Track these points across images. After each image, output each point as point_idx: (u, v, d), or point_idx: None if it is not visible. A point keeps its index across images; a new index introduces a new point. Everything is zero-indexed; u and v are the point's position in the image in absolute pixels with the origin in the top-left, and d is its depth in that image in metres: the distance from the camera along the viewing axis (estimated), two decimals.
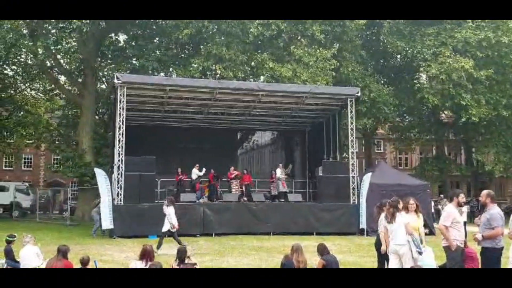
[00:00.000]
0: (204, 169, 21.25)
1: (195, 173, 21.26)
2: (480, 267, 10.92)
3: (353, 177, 20.78)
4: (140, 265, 7.65)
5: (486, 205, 7.85)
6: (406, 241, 8.15)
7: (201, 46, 27.77)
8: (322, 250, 9.34)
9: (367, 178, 20.59)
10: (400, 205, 8.42)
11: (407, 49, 28.48)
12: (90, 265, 9.12)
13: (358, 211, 20.16)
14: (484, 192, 7.98)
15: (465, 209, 20.03)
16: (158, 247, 13.57)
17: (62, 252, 8.14)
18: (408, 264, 8.18)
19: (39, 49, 25.76)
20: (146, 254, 7.80)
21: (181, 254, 8.24)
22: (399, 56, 32.72)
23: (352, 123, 21.31)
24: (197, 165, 21.36)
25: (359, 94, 21.57)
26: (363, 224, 19.94)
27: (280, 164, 23.02)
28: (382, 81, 31.85)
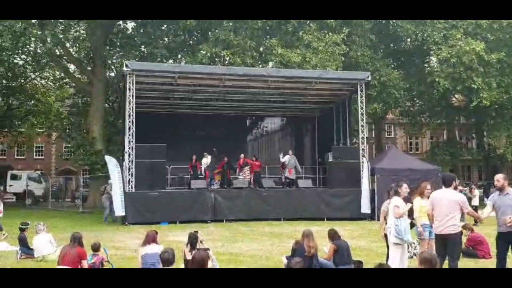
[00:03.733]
0: (209, 157, 21.23)
1: (203, 162, 21.37)
2: (490, 250, 11.01)
3: (363, 162, 20.71)
4: (147, 249, 7.80)
5: (503, 189, 7.68)
6: (391, 225, 8.07)
7: (209, 32, 27.67)
8: (333, 235, 9.37)
9: (366, 165, 20.52)
10: (402, 189, 8.33)
11: (417, 32, 28.12)
12: (101, 252, 9.30)
13: (368, 196, 20.10)
14: (501, 175, 7.78)
15: (477, 192, 20.01)
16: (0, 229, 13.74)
17: (77, 239, 8.27)
18: (390, 250, 8.15)
19: (47, 38, 25.81)
20: (149, 239, 8.04)
21: (193, 240, 8.33)
22: (409, 39, 32.34)
23: (362, 108, 21.17)
24: (205, 153, 21.41)
25: (369, 79, 21.40)
26: (365, 209, 19.87)
27: (290, 151, 22.79)
28: (392, 65, 31.56)
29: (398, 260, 8.01)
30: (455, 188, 8.23)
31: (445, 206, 7.55)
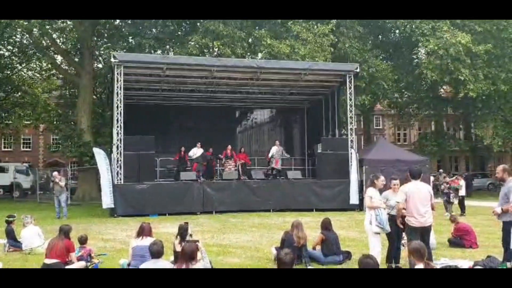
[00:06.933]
0: (201, 149, 21.05)
1: (193, 152, 21.20)
2: (477, 239, 11.16)
3: (351, 153, 20.79)
4: (139, 241, 7.75)
5: (504, 180, 7.86)
6: (369, 215, 8.13)
7: (198, 23, 27.48)
8: (325, 225, 9.43)
9: (354, 156, 20.61)
10: (378, 181, 8.39)
11: (406, 24, 28.22)
12: (88, 244, 9.26)
13: (357, 187, 20.19)
14: (500, 167, 7.97)
15: (462, 183, 20.17)
16: None
17: (64, 232, 8.23)
18: (370, 239, 8.21)
19: (34, 29, 25.45)
20: (142, 231, 7.96)
21: (183, 232, 8.31)
22: (397, 31, 32.45)
23: (351, 100, 21.24)
24: (199, 143, 21.19)
25: (357, 70, 21.45)
26: (353, 200, 19.98)
27: (277, 141, 22.79)
28: (381, 57, 31.66)
29: (379, 248, 8.12)
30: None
31: (423, 198, 7.89)
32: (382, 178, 8.51)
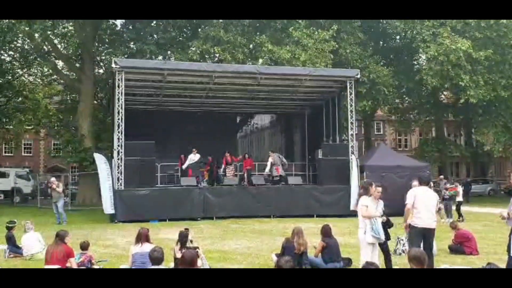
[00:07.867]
0: (198, 155, 20.99)
1: (190, 158, 21.15)
2: (478, 246, 11.17)
3: (352, 159, 20.75)
4: (139, 248, 7.75)
5: None
6: (364, 225, 8.01)
7: (199, 29, 27.56)
8: (325, 232, 9.41)
9: (355, 162, 20.57)
10: (373, 188, 8.31)
11: (406, 30, 28.26)
12: (89, 250, 9.25)
13: (358, 193, 20.14)
14: None
15: (460, 189, 20.19)
16: None
17: (60, 237, 8.23)
18: (362, 249, 8.10)
19: (35, 34, 25.52)
20: (141, 237, 7.96)
21: (183, 238, 8.31)
22: (398, 37, 32.51)
23: (351, 105, 21.23)
24: (194, 149, 21.19)
25: (358, 76, 21.45)
26: (354, 206, 19.90)
27: (270, 152, 22.23)
28: (382, 62, 31.69)
29: (370, 258, 8.04)
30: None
31: (430, 202, 8.16)
32: (375, 184, 8.45)
